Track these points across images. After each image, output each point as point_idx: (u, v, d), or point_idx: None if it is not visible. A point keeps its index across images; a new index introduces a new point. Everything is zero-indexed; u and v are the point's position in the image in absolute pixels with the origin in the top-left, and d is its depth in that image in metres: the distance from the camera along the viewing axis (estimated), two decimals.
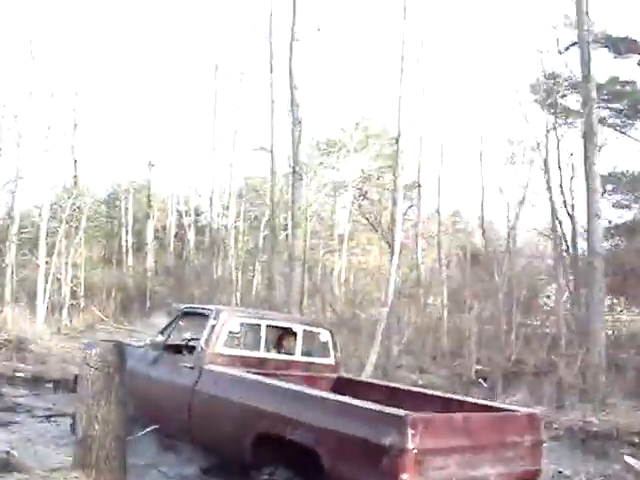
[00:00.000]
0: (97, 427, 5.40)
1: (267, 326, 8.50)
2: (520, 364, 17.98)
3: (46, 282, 24.12)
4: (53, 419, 10.03)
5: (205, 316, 8.04)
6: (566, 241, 20.27)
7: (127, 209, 36.94)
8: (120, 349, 5.60)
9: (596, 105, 17.05)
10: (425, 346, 20.30)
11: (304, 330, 8.78)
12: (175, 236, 36.94)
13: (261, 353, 8.39)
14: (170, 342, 8.43)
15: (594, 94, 16.59)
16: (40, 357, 15.49)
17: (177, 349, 8.46)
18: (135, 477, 6.35)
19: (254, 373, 7.56)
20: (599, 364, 14.49)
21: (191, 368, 7.65)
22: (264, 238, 31.81)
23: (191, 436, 7.44)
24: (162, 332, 8.47)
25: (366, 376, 14.13)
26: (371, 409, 5.92)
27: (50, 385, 13.01)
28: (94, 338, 16.00)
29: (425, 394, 8.43)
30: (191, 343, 8.43)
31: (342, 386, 8.59)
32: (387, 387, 8.83)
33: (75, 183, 27.19)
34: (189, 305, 9.59)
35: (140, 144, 35.93)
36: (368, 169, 32.35)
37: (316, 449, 6.01)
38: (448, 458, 5.74)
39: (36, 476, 5.28)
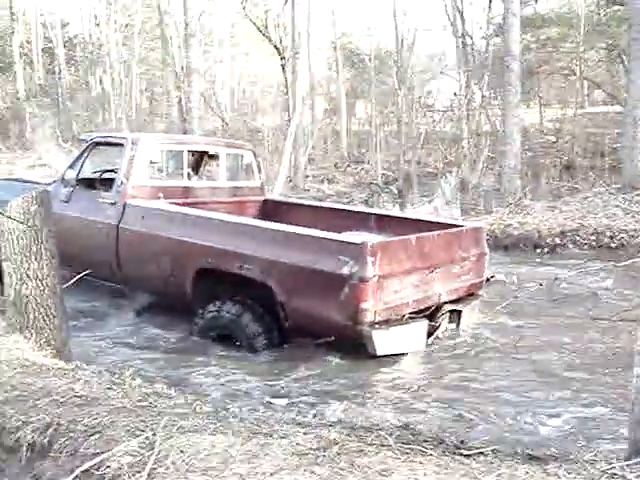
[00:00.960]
0: (30, 285, 4.80)
1: (188, 152, 7.91)
2: (422, 166, 18.08)
3: None
4: None
5: (120, 145, 7.29)
6: (465, 37, 19.82)
7: None
8: (44, 196, 4.89)
9: None
10: (327, 154, 20.05)
11: (227, 153, 8.25)
12: (42, 51, 34.04)
13: (185, 181, 7.84)
14: (83, 176, 7.62)
15: None
16: None
17: (91, 184, 7.70)
18: (76, 331, 5.91)
19: (181, 204, 7.09)
20: (515, 167, 14.62)
21: (112, 204, 7.03)
22: (142, 48, 29.84)
23: (121, 278, 6.96)
24: (72, 166, 7.59)
25: (278, 191, 13.81)
26: (326, 237, 5.68)
27: None
28: None
29: (357, 212, 8.29)
30: (106, 176, 7.70)
31: (271, 209, 8.31)
32: (317, 207, 8.66)
33: None
34: (100, 134, 8.69)
35: None
36: None
37: (268, 282, 5.79)
38: (404, 280, 5.72)
39: None
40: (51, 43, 32.97)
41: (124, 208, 6.95)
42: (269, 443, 3.07)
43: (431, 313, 6.15)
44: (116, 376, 4.35)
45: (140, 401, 3.76)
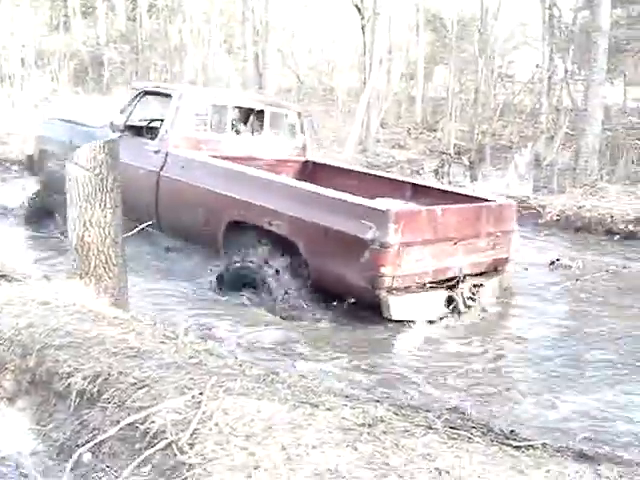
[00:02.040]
0: (92, 232, 4.84)
1: (234, 107, 8.17)
2: (497, 138, 17.64)
3: None
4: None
5: (168, 96, 7.63)
6: (552, 8, 19.09)
7: None
8: (112, 145, 4.90)
9: None
10: (401, 119, 19.73)
11: (272, 111, 8.42)
12: None
13: (227, 136, 8.06)
14: (130, 123, 7.88)
15: None
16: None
17: (139, 131, 7.94)
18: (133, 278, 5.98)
19: (222, 158, 7.33)
20: (593, 147, 14.09)
21: (156, 152, 7.36)
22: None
23: (158, 222, 7.24)
24: (122, 112, 7.92)
25: (348, 153, 13.69)
26: (352, 202, 5.86)
27: (15, 167, 12.28)
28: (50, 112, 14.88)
29: (395, 179, 8.42)
30: (153, 125, 7.91)
31: (310, 171, 8.50)
32: (356, 172, 8.73)
33: None
34: (150, 84, 9.04)
35: None
36: None
37: (294, 240, 6.06)
38: (426, 250, 5.89)
39: (31, 285, 4.78)
40: None
41: (166, 157, 7.29)
42: (314, 414, 3.01)
43: (452, 284, 6.25)
44: (169, 330, 4.36)
45: (191, 358, 3.74)
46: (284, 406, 3.10)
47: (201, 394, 3.14)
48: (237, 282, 6.31)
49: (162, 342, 4.01)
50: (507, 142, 17.31)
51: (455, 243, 6.15)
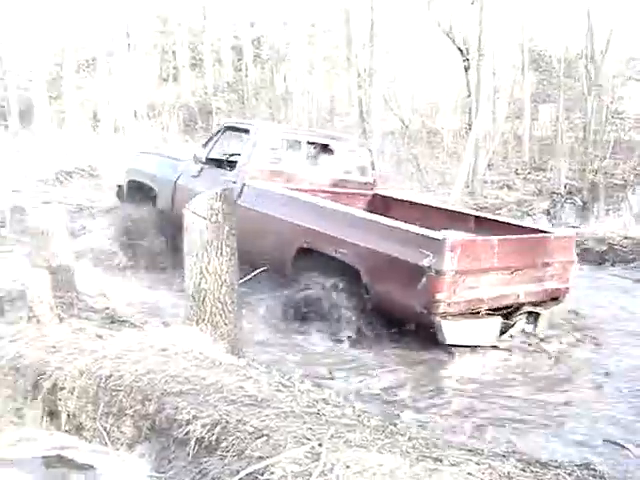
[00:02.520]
0: (209, 279, 4.92)
1: (307, 142, 8.53)
2: (609, 177, 17.05)
3: (107, 103, 23.53)
4: None
5: (247, 132, 8.16)
6: None
7: (180, 24, 35.07)
8: (228, 194, 5.00)
9: None
10: (508, 160, 19.41)
11: (344, 148, 8.83)
12: (231, 49, 35.27)
13: (301, 169, 8.42)
14: (212, 156, 8.43)
15: None
16: (114, 185, 14.98)
17: (219, 163, 8.45)
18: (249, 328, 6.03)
19: (295, 189, 7.71)
20: None
21: (233, 183, 7.65)
22: (326, 47, 30.28)
23: None
24: (204, 145, 8.55)
25: (456, 196, 13.56)
26: (411, 231, 6.15)
27: None
28: None
29: (458, 212, 8.63)
30: (232, 158, 8.39)
31: (379, 203, 8.83)
32: (422, 205, 8.98)
33: None
34: (230, 120, 9.66)
35: None
36: None
37: (357, 267, 6.36)
38: (482, 278, 6.11)
39: (149, 331, 4.88)
40: (239, 41, 34.13)
41: (242, 187, 7.70)
42: (439, 469, 2.91)
43: (509, 312, 6.42)
44: (285, 377, 4.33)
45: (308, 407, 3.70)
46: (406, 460, 3.00)
47: (320, 445, 3.08)
48: (302, 310, 6.52)
49: (278, 390, 3.98)
50: (620, 180, 16.74)
51: (512, 272, 6.35)
